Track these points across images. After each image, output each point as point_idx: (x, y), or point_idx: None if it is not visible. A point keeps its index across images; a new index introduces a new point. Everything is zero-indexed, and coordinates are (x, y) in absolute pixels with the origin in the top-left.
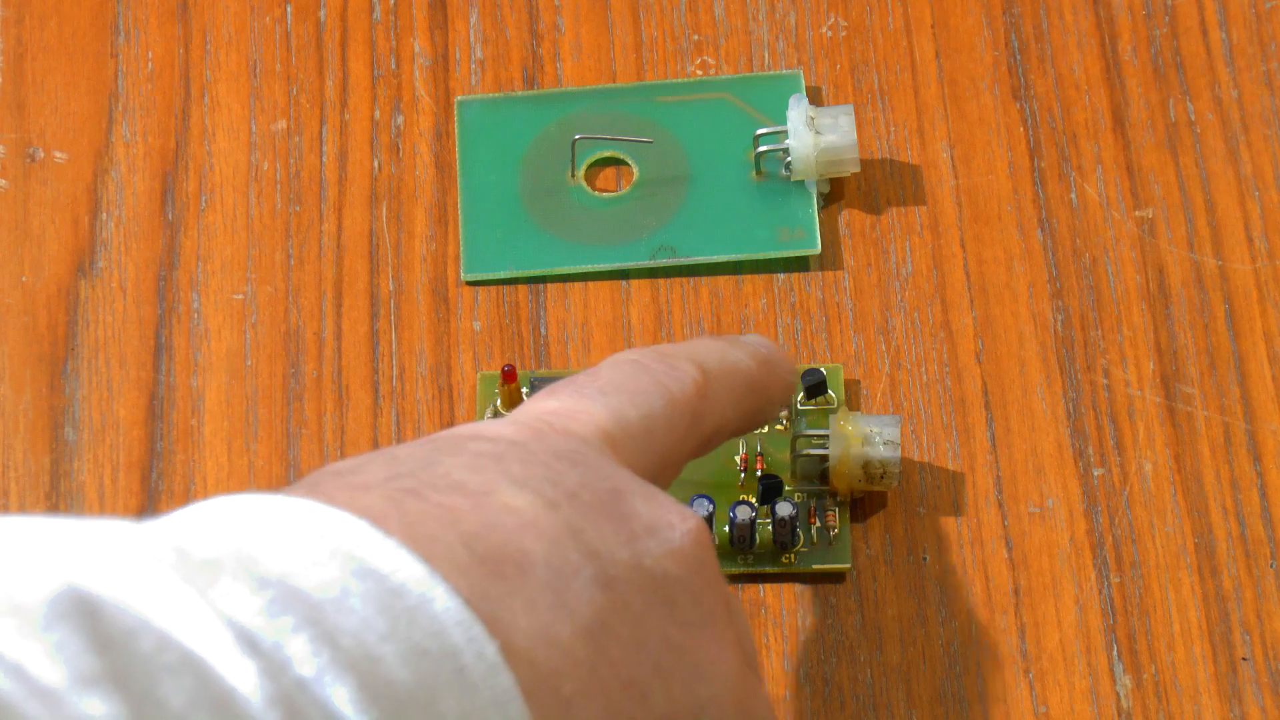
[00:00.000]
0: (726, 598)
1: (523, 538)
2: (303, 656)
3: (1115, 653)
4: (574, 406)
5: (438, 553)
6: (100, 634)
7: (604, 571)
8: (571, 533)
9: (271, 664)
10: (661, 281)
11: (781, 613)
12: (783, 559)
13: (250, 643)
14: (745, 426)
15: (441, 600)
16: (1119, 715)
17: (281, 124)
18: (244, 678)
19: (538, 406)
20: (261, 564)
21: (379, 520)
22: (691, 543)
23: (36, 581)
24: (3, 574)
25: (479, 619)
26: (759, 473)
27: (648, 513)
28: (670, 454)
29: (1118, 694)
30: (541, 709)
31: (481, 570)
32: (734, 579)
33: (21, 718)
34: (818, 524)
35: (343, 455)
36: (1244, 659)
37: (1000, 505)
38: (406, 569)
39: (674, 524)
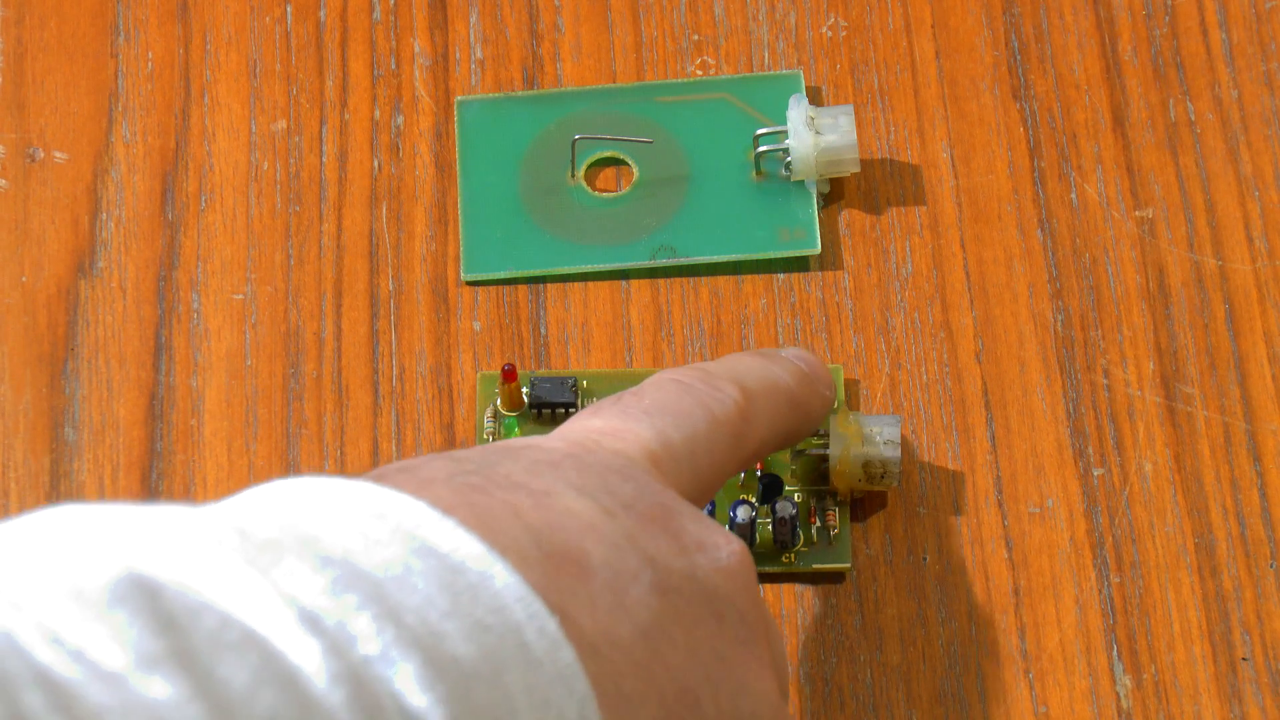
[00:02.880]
0: (767, 621)
1: (584, 539)
2: (367, 634)
3: (1115, 653)
4: (620, 426)
5: (504, 543)
6: (162, 615)
7: (660, 579)
8: (629, 539)
9: (335, 642)
10: (661, 281)
11: (781, 613)
12: (783, 558)
13: (313, 621)
14: (785, 443)
15: (501, 577)
16: (1119, 715)
17: (281, 124)
18: (308, 656)
19: (584, 424)
20: (323, 543)
21: (445, 508)
22: (738, 563)
23: (97, 565)
24: (64, 559)
25: (539, 597)
26: (759, 472)
27: (696, 531)
28: (712, 475)
29: (1118, 694)
30: (604, 701)
31: (547, 564)
32: None
33: (86, 702)
34: (818, 523)
35: (343, 455)
36: (1244, 659)
37: (1000, 505)
38: (466, 547)
39: (720, 544)
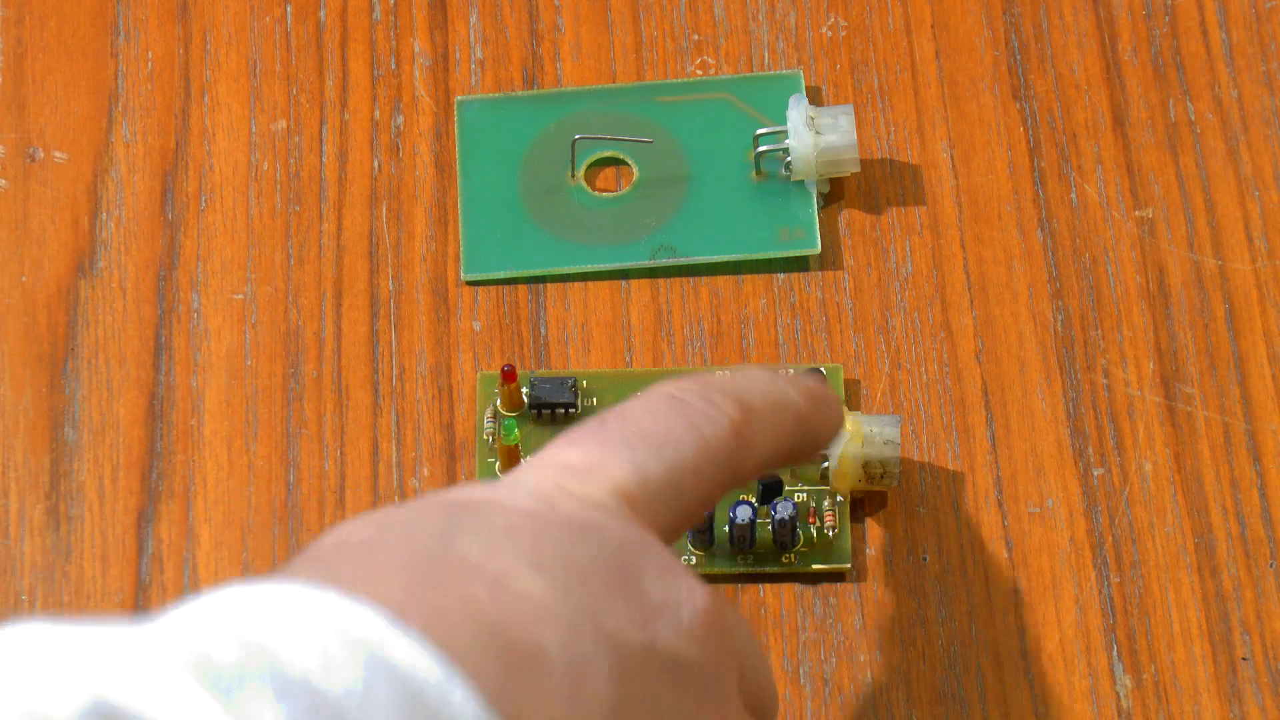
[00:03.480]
0: (731, 667)
1: (539, 628)
2: None
3: (1115, 653)
4: (595, 461)
5: (457, 648)
6: None
7: (619, 660)
8: (587, 619)
9: None
10: (661, 281)
11: (781, 613)
12: (783, 559)
13: None
14: (788, 462)
15: (460, 700)
16: (1119, 715)
17: (281, 124)
18: None
19: (558, 459)
20: (284, 666)
21: (399, 611)
22: (700, 622)
23: (64, 694)
24: (31, 686)
25: (496, 714)
26: None
27: (658, 591)
28: (697, 503)
29: (1118, 694)
30: None
31: (499, 665)
32: (734, 579)
33: None
34: (817, 524)
35: (343, 455)
36: (1244, 659)
37: (1000, 505)
38: (425, 666)
39: (682, 602)
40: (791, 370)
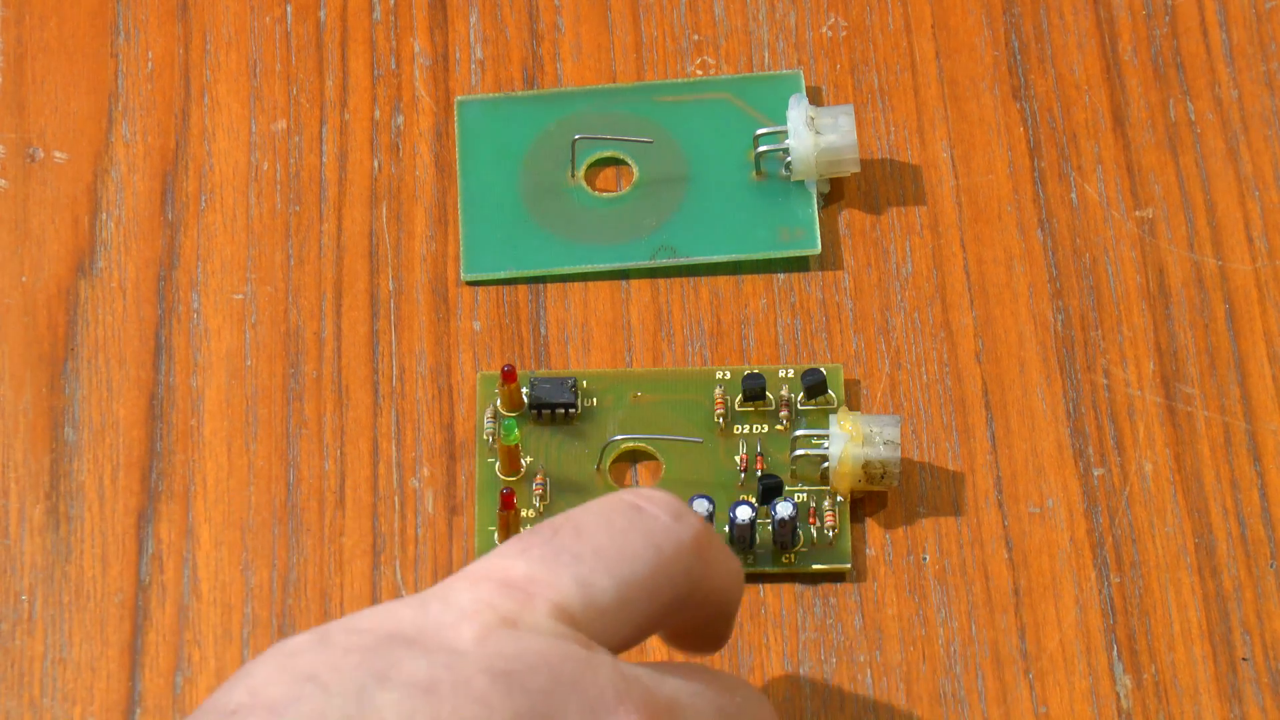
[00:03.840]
0: None
1: None
2: None
3: (1115, 653)
4: (539, 577)
5: None
6: None
7: None
8: None
9: None
10: (661, 281)
11: (781, 613)
12: (782, 559)
13: None
14: (712, 629)
15: None
16: (1119, 715)
17: (281, 124)
18: None
19: (498, 568)
20: None
21: None
22: None
23: None
24: None
25: None
26: (759, 473)
27: None
28: (651, 617)
29: (1118, 694)
30: None
31: None
32: None
33: None
34: (817, 524)
35: (343, 455)
36: (1244, 659)
37: (1000, 505)
38: None
39: None
40: (791, 371)
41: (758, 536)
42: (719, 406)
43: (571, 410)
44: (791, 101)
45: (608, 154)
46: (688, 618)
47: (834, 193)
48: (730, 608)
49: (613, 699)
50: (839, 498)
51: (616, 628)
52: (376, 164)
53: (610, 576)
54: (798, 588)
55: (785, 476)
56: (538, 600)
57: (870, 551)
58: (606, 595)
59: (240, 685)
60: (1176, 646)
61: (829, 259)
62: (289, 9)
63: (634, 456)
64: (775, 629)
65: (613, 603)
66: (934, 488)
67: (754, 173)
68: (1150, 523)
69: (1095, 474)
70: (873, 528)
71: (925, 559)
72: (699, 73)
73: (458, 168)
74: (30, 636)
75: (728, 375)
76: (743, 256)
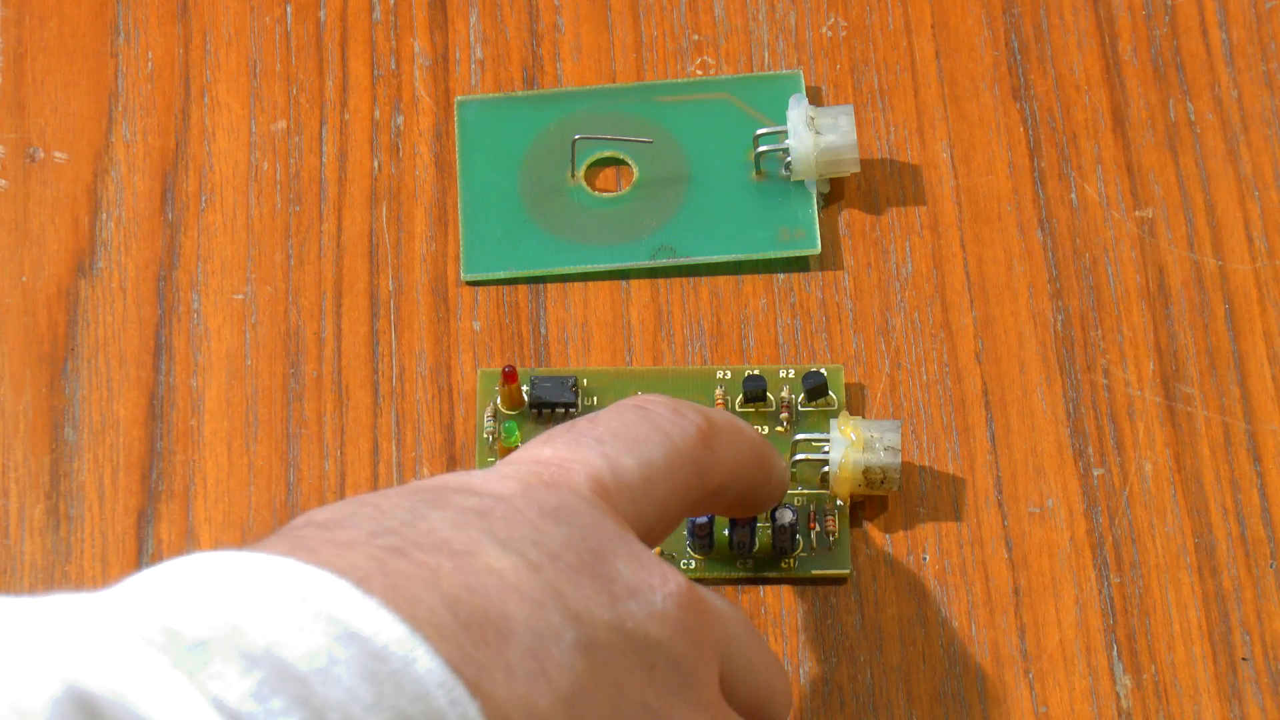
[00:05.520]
0: (706, 658)
1: (505, 601)
2: None
3: (1115, 653)
4: (568, 455)
5: (420, 615)
6: None
7: (585, 636)
8: (554, 595)
9: None
10: (661, 281)
11: (781, 613)
12: (782, 564)
13: None
14: (748, 494)
15: (424, 662)
16: (1119, 715)
17: (281, 124)
18: None
19: (533, 454)
20: (249, 636)
21: (362, 579)
22: (674, 605)
23: (36, 683)
24: (3, 675)
25: (461, 680)
26: None
27: (630, 574)
28: (671, 504)
29: (1118, 694)
30: None
31: (464, 634)
32: (734, 584)
33: None
34: (817, 529)
35: (343, 455)
36: (1244, 659)
37: (1000, 505)
38: (389, 631)
39: (655, 586)
40: (792, 372)
41: (758, 541)
42: (719, 407)
43: (572, 409)
44: (791, 101)
45: (608, 154)
46: (720, 503)
47: (834, 193)
48: (759, 479)
49: (652, 556)
50: (839, 502)
51: (643, 507)
52: (376, 164)
53: (632, 456)
54: (798, 588)
55: None
56: (573, 472)
57: (870, 552)
58: (632, 473)
59: (299, 517)
60: (1176, 646)
61: (829, 259)
62: (289, 9)
63: None
64: (775, 629)
65: (638, 480)
66: (934, 487)
67: (754, 173)
68: (1150, 523)
69: (1095, 474)
70: (872, 528)
71: (925, 559)
72: (699, 73)
73: (458, 168)
74: None
75: (728, 375)
76: (743, 256)
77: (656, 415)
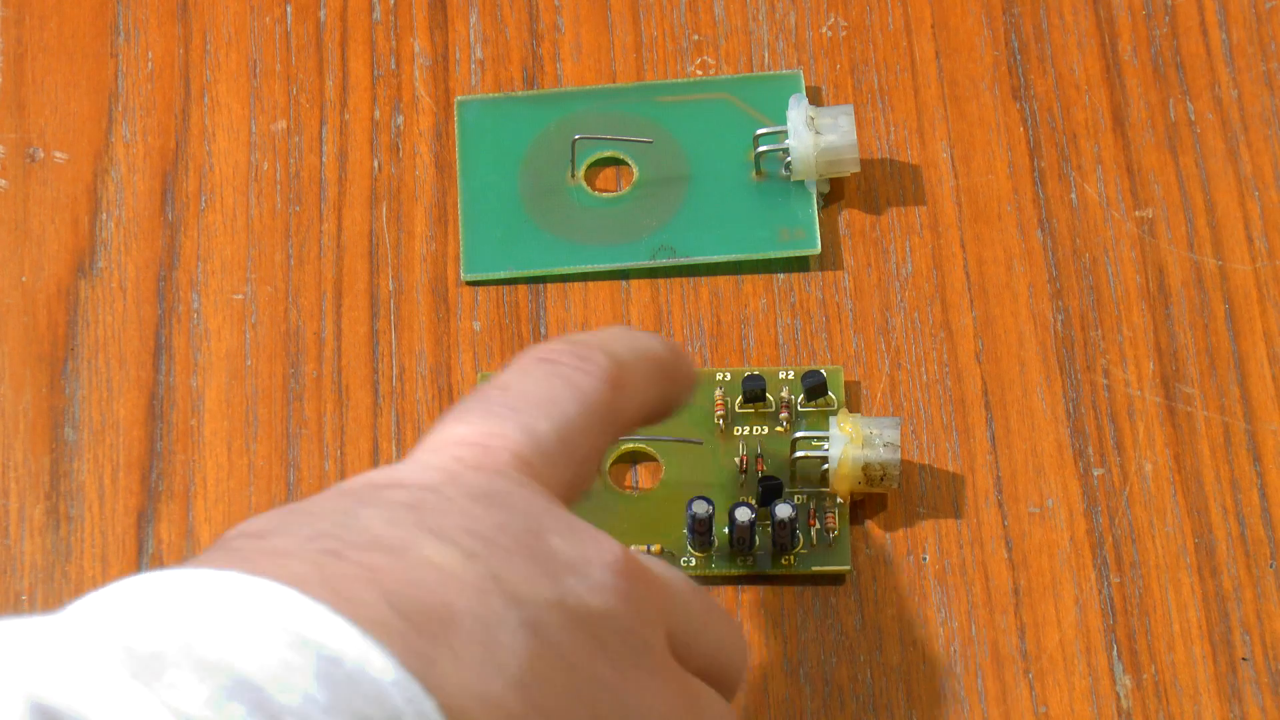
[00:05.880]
0: (654, 621)
1: (446, 591)
2: None
3: (1115, 653)
4: (485, 432)
5: (366, 615)
6: None
7: (529, 616)
8: (493, 580)
9: None
10: (661, 281)
11: (781, 613)
12: (782, 561)
13: None
14: (659, 412)
15: (377, 663)
16: (1119, 715)
17: (281, 124)
18: None
19: (449, 435)
20: (202, 648)
21: (302, 585)
22: (613, 575)
23: (2, 696)
24: None
25: (415, 678)
26: (759, 474)
27: (567, 549)
28: (589, 455)
29: (1118, 694)
30: None
31: (410, 630)
32: (733, 580)
33: None
34: (817, 526)
35: (343, 455)
36: (1244, 659)
37: (1000, 505)
38: (339, 634)
39: (592, 559)
40: (791, 373)
41: (757, 538)
42: (719, 408)
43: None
44: (791, 101)
45: (608, 154)
46: (636, 421)
47: (834, 193)
48: (669, 393)
49: (586, 527)
50: (839, 500)
51: (564, 469)
52: (376, 164)
53: (548, 420)
54: (798, 588)
55: (785, 478)
56: (495, 451)
57: (870, 551)
58: (551, 438)
59: (230, 531)
60: (1176, 646)
61: (829, 259)
62: (289, 9)
63: (634, 457)
64: (775, 629)
65: (557, 445)
66: (934, 488)
67: (754, 173)
68: (1150, 523)
69: (1095, 474)
70: (872, 527)
71: (925, 559)
72: (699, 73)
73: (458, 168)
74: None
75: (728, 376)
76: (743, 256)
77: (563, 367)
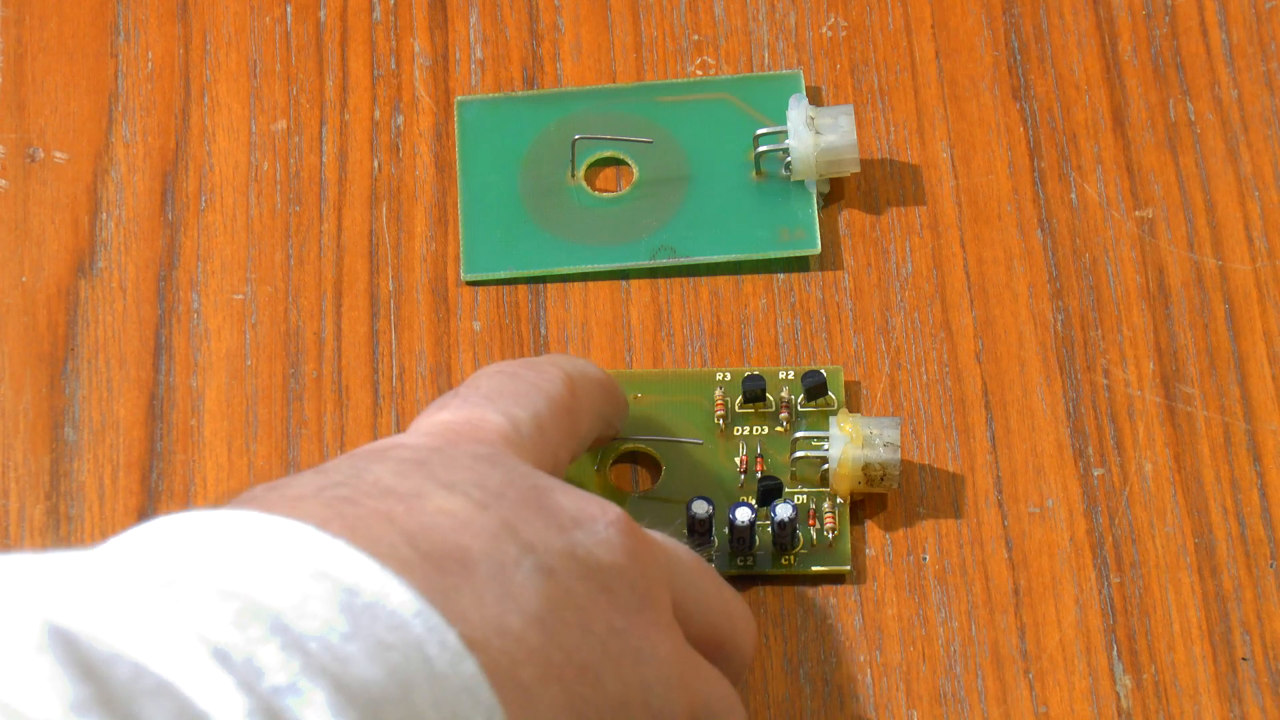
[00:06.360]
0: (659, 580)
1: (460, 536)
2: (275, 665)
3: (1115, 653)
4: (469, 414)
5: (384, 551)
6: (83, 665)
7: (543, 562)
8: (506, 528)
9: (245, 677)
10: (661, 281)
11: (781, 612)
12: (782, 561)
13: (223, 657)
14: (605, 430)
15: (397, 593)
16: (1119, 715)
17: (281, 124)
18: (220, 694)
19: (436, 419)
20: (221, 578)
21: (321, 524)
22: (618, 532)
23: (17, 621)
24: None
25: (435, 608)
26: (759, 474)
27: (571, 506)
28: (559, 451)
29: (1118, 694)
30: (504, 695)
31: (428, 566)
32: (733, 581)
33: None
34: (817, 526)
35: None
36: (1244, 659)
37: (1000, 505)
38: (358, 567)
39: (596, 516)
40: (791, 373)
41: (757, 538)
42: (719, 408)
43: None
44: (791, 101)
45: (608, 154)
46: (585, 443)
47: (834, 193)
48: (610, 412)
49: (585, 491)
50: (839, 500)
51: (541, 455)
52: (376, 164)
53: (524, 409)
54: (798, 588)
55: (785, 478)
56: (483, 428)
57: (870, 551)
58: (528, 424)
59: (245, 493)
60: (1176, 646)
61: (829, 259)
62: (289, 9)
63: (634, 457)
64: (775, 629)
65: (533, 430)
66: (934, 487)
67: (754, 173)
68: (1150, 523)
69: (1095, 474)
70: (872, 528)
71: (925, 559)
72: (699, 73)
73: (458, 168)
74: None
75: (728, 377)
76: (743, 256)
77: (523, 375)
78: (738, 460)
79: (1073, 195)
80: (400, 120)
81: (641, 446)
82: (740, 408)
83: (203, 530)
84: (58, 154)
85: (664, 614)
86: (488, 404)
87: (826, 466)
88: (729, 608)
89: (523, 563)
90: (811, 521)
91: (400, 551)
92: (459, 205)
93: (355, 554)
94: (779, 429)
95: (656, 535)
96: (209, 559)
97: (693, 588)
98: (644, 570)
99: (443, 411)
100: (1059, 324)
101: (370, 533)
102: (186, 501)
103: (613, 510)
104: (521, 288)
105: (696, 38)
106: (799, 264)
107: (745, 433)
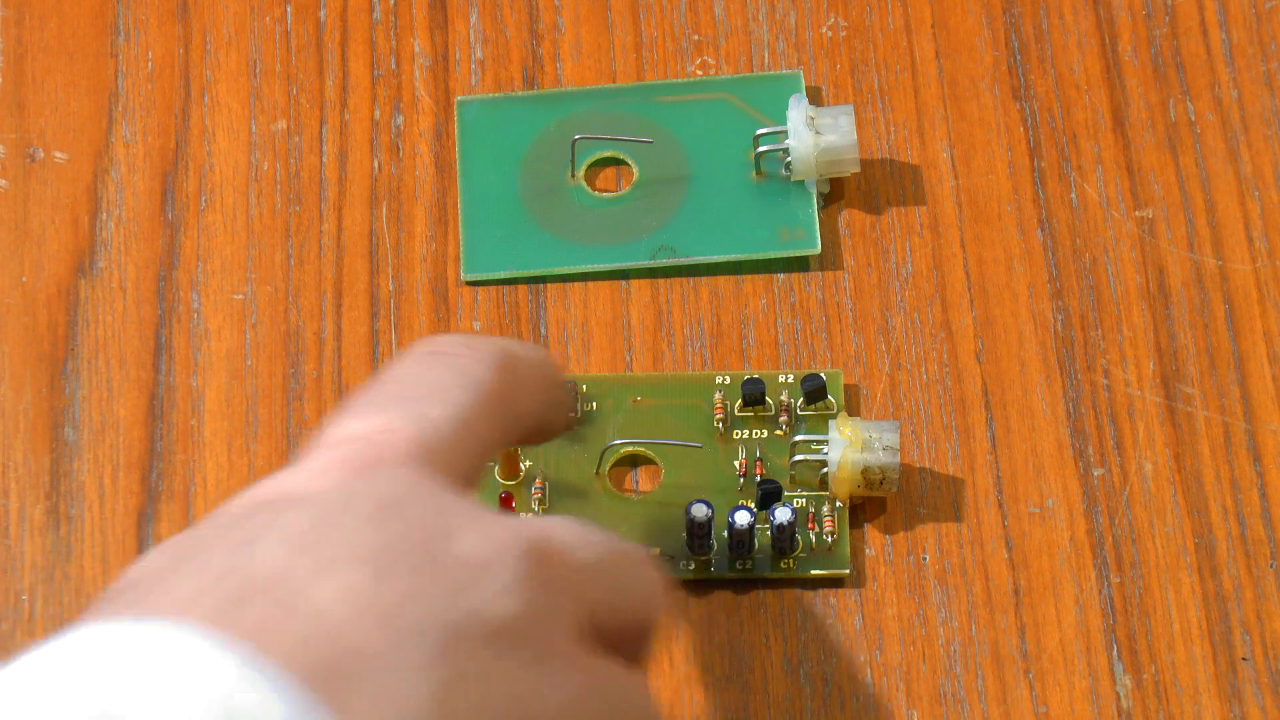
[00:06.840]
0: (568, 606)
1: (353, 629)
2: None
3: (1115, 653)
4: (382, 425)
5: (277, 660)
6: None
7: (439, 641)
8: (396, 611)
9: None
10: (661, 281)
11: (781, 613)
12: (781, 565)
13: None
14: (551, 418)
15: (282, 713)
16: (1119, 715)
17: (281, 124)
18: None
19: (343, 432)
20: (106, 705)
21: (208, 633)
22: (517, 578)
23: None
24: None
25: None
26: (758, 478)
27: (472, 552)
28: (485, 444)
29: (1118, 694)
30: None
31: (318, 676)
32: (732, 585)
33: None
34: (816, 530)
35: None
36: (1244, 659)
37: (1000, 505)
38: (243, 684)
39: (495, 559)
40: (791, 377)
41: (757, 541)
42: (719, 411)
43: (571, 413)
44: (791, 101)
45: (608, 154)
46: (523, 430)
47: (834, 193)
48: (552, 398)
49: (491, 516)
50: (838, 503)
51: (463, 456)
52: (376, 164)
53: (443, 407)
54: (798, 589)
55: (784, 482)
56: (391, 442)
57: (870, 551)
58: (448, 425)
59: (125, 574)
60: (1176, 646)
61: (829, 259)
62: (289, 9)
63: (633, 461)
64: (775, 629)
65: (454, 431)
66: (934, 487)
67: (754, 173)
68: (1150, 523)
69: (1095, 474)
70: (872, 528)
71: (925, 559)
72: (699, 73)
73: (458, 168)
74: (30, 636)
75: (727, 380)
76: (743, 256)
77: (452, 357)
78: (737, 464)
79: (1073, 195)
80: (400, 120)
81: (641, 450)
82: (740, 411)
83: (110, 658)
84: (58, 154)
85: (572, 645)
86: (403, 407)
87: (826, 470)
88: (643, 588)
89: (416, 652)
90: (811, 525)
91: (295, 658)
92: (459, 205)
93: (241, 666)
94: (778, 432)
95: (566, 540)
96: (115, 698)
97: (607, 592)
98: (551, 609)
99: (355, 419)
100: (1059, 324)
101: (263, 642)
102: (186, 501)
103: (516, 542)
104: (521, 288)
105: (696, 38)
106: (799, 264)
107: (745, 436)
